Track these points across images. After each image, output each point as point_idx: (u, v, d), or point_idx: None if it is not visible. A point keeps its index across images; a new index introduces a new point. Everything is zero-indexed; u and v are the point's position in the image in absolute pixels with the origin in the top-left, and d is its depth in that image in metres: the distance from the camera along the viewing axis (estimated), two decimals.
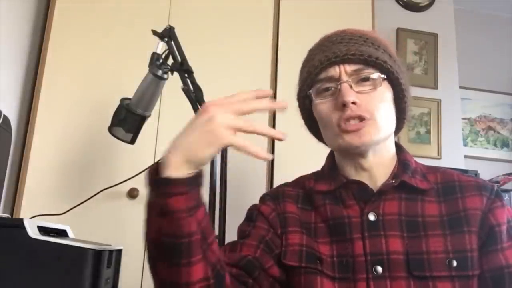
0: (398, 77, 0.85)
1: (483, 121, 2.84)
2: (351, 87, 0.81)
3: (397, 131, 0.91)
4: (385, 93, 0.84)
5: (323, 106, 0.85)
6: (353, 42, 0.85)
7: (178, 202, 0.66)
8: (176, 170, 0.66)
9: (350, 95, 0.80)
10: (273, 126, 1.76)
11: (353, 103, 0.80)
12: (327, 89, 0.84)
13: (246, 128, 0.68)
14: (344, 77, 0.82)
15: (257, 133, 0.69)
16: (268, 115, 1.75)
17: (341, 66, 0.83)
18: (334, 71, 0.83)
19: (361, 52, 0.82)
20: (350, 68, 0.82)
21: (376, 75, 0.83)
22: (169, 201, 0.65)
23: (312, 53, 0.92)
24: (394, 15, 2.51)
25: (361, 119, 0.81)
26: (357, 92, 0.81)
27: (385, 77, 0.84)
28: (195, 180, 0.68)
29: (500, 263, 0.77)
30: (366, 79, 0.83)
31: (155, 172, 0.68)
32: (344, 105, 0.80)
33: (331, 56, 0.83)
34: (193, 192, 0.67)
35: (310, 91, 0.87)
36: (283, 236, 0.84)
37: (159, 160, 0.70)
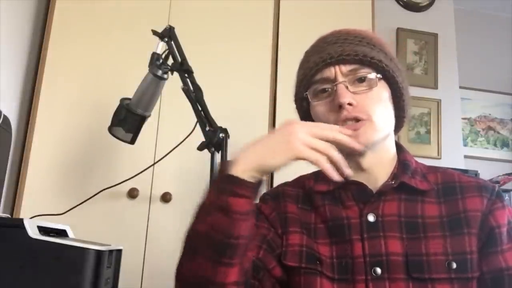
0: (394, 75, 0.84)
1: (483, 121, 2.84)
2: (347, 87, 0.81)
3: (397, 130, 0.90)
4: (382, 92, 0.84)
5: (320, 107, 0.84)
6: (348, 42, 0.85)
7: (241, 204, 0.70)
8: (243, 173, 0.71)
9: (345, 96, 0.80)
10: (273, 126, 1.76)
11: (349, 104, 0.80)
12: (323, 91, 0.84)
13: (322, 150, 0.72)
14: (340, 78, 0.82)
15: (331, 158, 0.72)
16: (268, 115, 1.75)
17: (336, 67, 0.82)
18: (330, 72, 0.83)
19: (355, 52, 0.82)
20: (345, 68, 0.82)
21: (372, 74, 0.82)
22: (233, 200, 0.69)
23: (307, 54, 0.92)
24: (394, 15, 2.51)
25: (358, 120, 0.80)
26: (353, 92, 0.81)
27: (381, 76, 0.83)
28: (259, 187, 0.73)
29: (500, 265, 0.77)
30: (362, 79, 0.82)
31: (224, 169, 0.72)
32: (340, 107, 0.80)
33: (326, 57, 0.83)
34: (254, 198, 0.72)
35: (307, 93, 0.86)
36: (284, 236, 0.84)
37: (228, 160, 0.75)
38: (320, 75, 0.84)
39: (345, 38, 0.86)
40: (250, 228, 0.72)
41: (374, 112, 0.81)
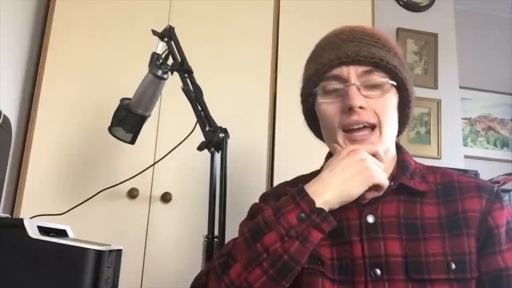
0: (406, 83, 0.84)
1: (483, 121, 2.84)
2: (359, 90, 0.80)
3: (398, 134, 0.90)
4: (392, 99, 0.83)
5: (327, 106, 0.83)
6: (365, 42, 0.83)
7: (318, 238, 0.75)
8: (326, 204, 0.76)
9: (358, 99, 0.79)
10: (273, 126, 1.76)
11: (360, 107, 0.79)
12: (333, 89, 0.83)
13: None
14: (353, 79, 0.80)
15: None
16: (268, 115, 1.75)
17: (351, 67, 0.81)
18: (343, 71, 0.81)
19: (372, 54, 0.81)
20: (360, 69, 0.81)
21: (385, 80, 0.81)
22: (315, 233, 0.74)
23: (320, 48, 0.89)
24: (394, 15, 2.51)
25: (368, 125, 0.80)
26: (365, 96, 0.80)
27: (395, 83, 0.82)
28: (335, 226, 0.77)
29: (499, 265, 0.77)
30: (377, 85, 0.81)
31: (305, 195, 0.76)
32: (350, 109, 0.79)
33: (342, 55, 0.81)
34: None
35: (316, 89, 0.85)
36: None
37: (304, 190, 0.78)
38: (333, 73, 0.82)
39: (362, 37, 0.84)
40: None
41: (384, 118, 0.81)
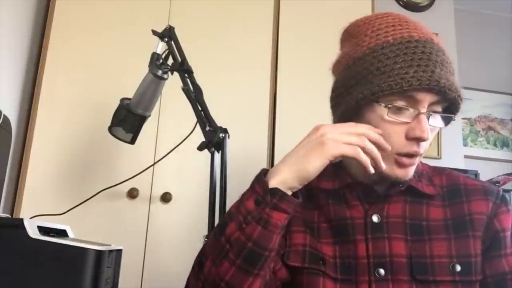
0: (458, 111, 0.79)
1: (483, 121, 2.84)
2: (427, 119, 0.74)
3: None
4: None
5: (391, 126, 0.75)
6: (445, 67, 0.75)
7: (281, 218, 0.71)
8: (283, 184, 0.72)
9: (427, 132, 0.74)
10: (273, 126, 1.76)
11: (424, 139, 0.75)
12: (402, 109, 0.75)
13: (357, 143, 0.71)
14: (426, 106, 0.74)
15: (367, 150, 0.72)
16: (268, 115, 1.75)
17: (428, 94, 0.73)
18: (419, 96, 0.73)
19: (456, 89, 0.74)
20: (433, 98, 0.74)
21: (452, 116, 0.78)
22: (275, 214, 0.70)
23: (388, 50, 0.76)
24: None
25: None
26: (429, 126, 0.75)
27: (455, 119, 0.79)
28: (299, 203, 0.73)
29: (503, 269, 0.77)
30: (448, 120, 0.78)
31: (262, 179, 0.72)
32: (417, 140, 0.74)
33: (424, 80, 0.72)
34: (292, 213, 0.73)
35: (380, 102, 0.75)
36: (287, 236, 0.83)
37: (266, 170, 0.75)
38: (410, 93, 0.73)
39: (437, 55, 0.76)
40: (280, 239, 0.74)
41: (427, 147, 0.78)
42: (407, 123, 0.75)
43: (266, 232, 0.70)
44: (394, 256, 0.77)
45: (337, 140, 0.71)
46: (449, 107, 0.78)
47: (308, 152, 0.72)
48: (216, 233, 0.75)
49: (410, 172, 0.78)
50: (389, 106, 0.74)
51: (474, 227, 0.79)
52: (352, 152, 0.71)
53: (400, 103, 0.74)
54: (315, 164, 0.71)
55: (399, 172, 0.77)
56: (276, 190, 0.71)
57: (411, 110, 0.74)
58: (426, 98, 0.74)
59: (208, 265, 0.73)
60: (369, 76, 0.76)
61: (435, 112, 0.76)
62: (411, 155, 0.76)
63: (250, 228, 0.70)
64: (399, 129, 0.75)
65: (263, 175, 0.75)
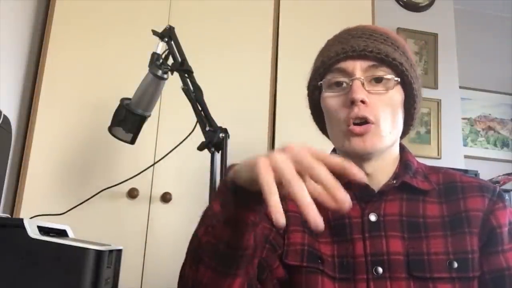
0: (412, 81, 0.83)
1: (483, 121, 2.84)
2: (363, 85, 0.79)
3: (402, 135, 0.89)
4: (396, 97, 0.82)
5: (332, 100, 0.82)
6: (373, 39, 0.82)
7: (250, 216, 0.65)
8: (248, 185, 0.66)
9: (360, 93, 0.78)
10: (273, 125, 1.76)
11: (362, 101, 0.78)
12: (338, 83, 0.82)
13: (285, 178, 0.53)
14: (358, 73, 0.80)
15: (294, 196, 0.54)
16: (268, 115, 1.75)
17: (357, 62, 0.80)
18: (349, 65, 0.81)
19: (378, 50, 0.80)
20: (365, 64, 0.80)
21: (390, 76, 0.81)
22: (243, 213, 0.65)
23: (329, 43, 0.89)
24: (394, 15, 2.51)
25: (366, 121, 0.79)
26: (368, 91, 0.79)
27: (399, 80, 0.82)
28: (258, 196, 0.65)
29: (501, 265, 0.77)
30: (379, 79, 0.81)
31: (231, 182, 0.65)
32: (352, 103, 0.78)
33: (348, 49, 0.81)
34: (256, 208, 0.65)
35: (321, 82, 0.84)
36: (285, 235, 0.83)
37: (231, 166, 0.69)
38: (338, 66, 0.81)
39: (371, 34, 0.84)
40: (257, 235, 0.69)
41: (383, 116, 0.79)
42: (345, 94, 0.80)
43: (238, 232, 0.65)
44: (392, 254, 0.77)
45: (268, 165, 0.55)
46: (397, 73, 0.81)
47: (247, 163, 0.61)
48: (192, 238, 0.74)
49: (368, 143, 0.78)
50: (322, 83, 0.83)
51: (471, 224, 0.79)
52: (263, 184, 0.54)
53: (335, 79, 0.82)
54: (243, 177, 0.62)
55: (354, 143, 0.79)
56: (242, 191, 0.62)
57: (346, 80, 0.80)
58: (355, 66, 0.80)
59: (187, 270, 0.72)
60: (313, 66, 0.87)
61: (378, 77, 0.80)
62: (360, 123, 0.78)
63: (218, 230, 0.68)
64: (339, 101, 0.81)
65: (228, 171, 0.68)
